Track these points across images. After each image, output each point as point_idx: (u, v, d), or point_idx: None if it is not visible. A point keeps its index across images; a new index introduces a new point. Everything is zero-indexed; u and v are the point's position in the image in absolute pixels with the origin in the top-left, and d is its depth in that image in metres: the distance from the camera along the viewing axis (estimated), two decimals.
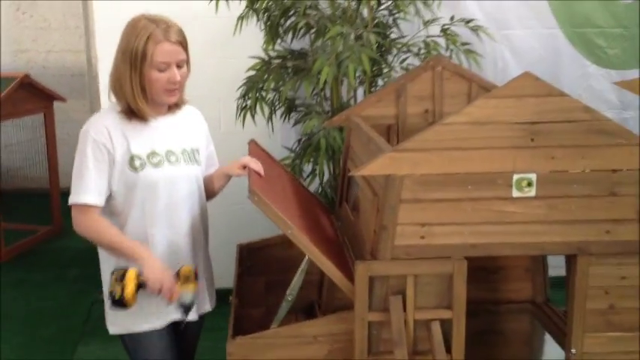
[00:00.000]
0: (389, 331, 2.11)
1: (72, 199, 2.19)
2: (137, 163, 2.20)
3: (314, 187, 3.65)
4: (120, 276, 2.10)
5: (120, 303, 2.09)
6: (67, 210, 2.24)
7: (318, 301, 2.64)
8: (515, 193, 2.07)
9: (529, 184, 2.07)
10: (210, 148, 2.51)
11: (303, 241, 2.10)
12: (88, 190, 2.17)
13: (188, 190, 2.31)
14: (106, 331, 2.33)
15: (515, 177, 2.06)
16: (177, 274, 2.19)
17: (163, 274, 2.13)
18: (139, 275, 2.10)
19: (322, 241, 2.32)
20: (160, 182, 2.23)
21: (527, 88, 2.02)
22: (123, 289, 2.07)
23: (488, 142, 2.03)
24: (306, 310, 2.78)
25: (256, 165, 2.35)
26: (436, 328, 2.10)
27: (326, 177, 3.63)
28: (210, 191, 2.46)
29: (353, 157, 2.70)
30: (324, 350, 2.16)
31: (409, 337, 2.10)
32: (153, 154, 2.24)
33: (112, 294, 2.10)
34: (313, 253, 2.11)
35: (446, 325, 2.12)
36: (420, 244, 2.08)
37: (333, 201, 3.55)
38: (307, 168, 3.59)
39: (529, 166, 2.05)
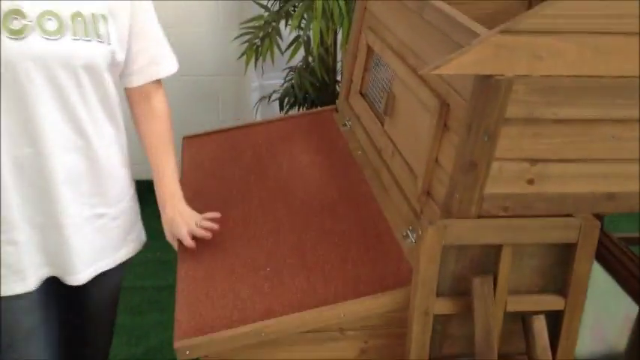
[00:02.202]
0: (459, 326, 1.32)
1: None
2: None
3: (297, 59, 2.74)
4: None
5: None
6: None
7: None
8: None
9: None
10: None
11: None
12: None
13: (76, 84, 1.32)
14: None
15: None
16: None
17: None
18: None
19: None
20: (18, 65, 1.25)
21: None
22: None
23: None
24: None
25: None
26: (540, 325, 1.30)
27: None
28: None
29: (376, 28, 1.80)
30: (354, 350, 1.35)
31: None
32: (14, 12, 1.24)
33: None
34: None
35: (550, 319, 1.33)
36: (527, 192, 1.24)
37: (324, 82, 2.67)
38: (287, 34, 2.66)
39: None
